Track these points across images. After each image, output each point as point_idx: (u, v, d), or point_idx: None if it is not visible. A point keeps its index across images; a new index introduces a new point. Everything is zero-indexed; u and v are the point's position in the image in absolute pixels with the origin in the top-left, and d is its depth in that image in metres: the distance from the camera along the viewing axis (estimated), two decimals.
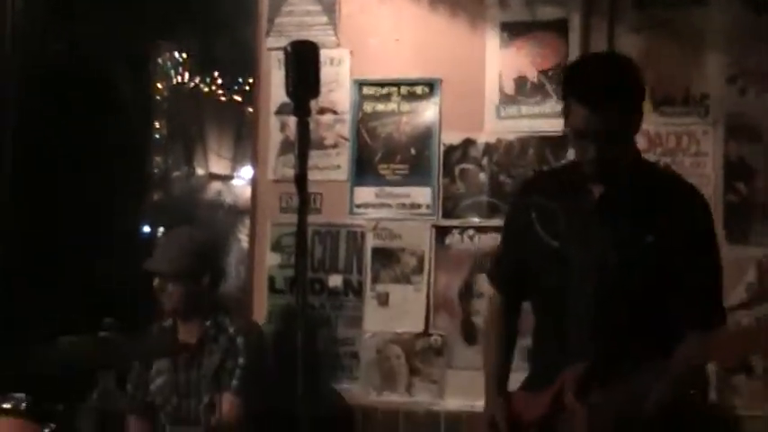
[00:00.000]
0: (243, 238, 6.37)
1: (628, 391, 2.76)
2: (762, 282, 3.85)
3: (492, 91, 4.19)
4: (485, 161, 4.20)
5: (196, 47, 7.36)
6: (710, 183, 3.83)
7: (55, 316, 4.31)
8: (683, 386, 2.84)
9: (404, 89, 4.31)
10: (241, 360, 3.88)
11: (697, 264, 2.87)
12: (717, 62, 3.95)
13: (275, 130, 4.45)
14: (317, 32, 4.34)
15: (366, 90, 4.35)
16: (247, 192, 5.17)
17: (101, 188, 5.48)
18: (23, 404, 3.60)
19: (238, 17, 5.02)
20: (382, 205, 4.31)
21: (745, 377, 3.81)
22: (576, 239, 2.92)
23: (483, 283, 4.10)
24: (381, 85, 4.33)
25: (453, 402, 4.16)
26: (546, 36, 4.14)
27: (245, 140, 6.94)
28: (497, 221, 4.08)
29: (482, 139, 4.21)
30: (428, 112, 4.28)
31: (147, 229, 6.83)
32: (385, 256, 4.30)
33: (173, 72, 7.46)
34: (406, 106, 4.31)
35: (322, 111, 4.33)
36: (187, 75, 7.54)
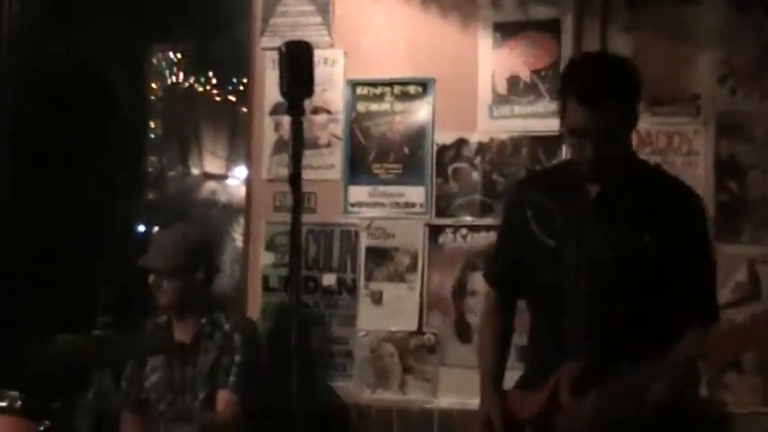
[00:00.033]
0: (237, 236, 6.37)
1: (623, 390, 2.75)
2: (752, 281, 3.85)
3: (485, 91, 4.18)
4: (478, 160, 4.19)
5: (191, 47, 7.36)
6: (702, 182, 3.81)
7: (54, 315, 4.29)
8: (679, 384, 2.82)
9: (397, 89, 4.29)
10: (237, 357, 3.88)
11: (692, 262, 2.87)
12: (708, 62, 3.94)
13: (269, 129, 4.44)
14: (310, 33, 4.33)
15: (360, 90, 4.34)
16: (242, 191, 5.16)
17: (97, 188, 5.47)
18: (18, 402, 3.59)
19: (233, 17, 5.01)
20: (376, 204, 4.30)
21: (737, 374, 3.80)
22: (572, 238, 2.91)
23: (476, 282, 4.10)
24: (375, 84, 4.32)
25: (447, 400, 4.14)
26: (538, 36, 4.13)
27: (239, 140, 6.95)
28: (490, 220, 4.10)
29: (475, 138, 4.19)
30: (421, 111, 4.26)
31: (143, 227, 6.83)
32: (379, 255, 4.28)
33: (167, 72, 7.46)
34: (399, 106, 4.30)
35: (316, 110, 4.32)
36: (182, 75, 7.54)
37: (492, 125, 4.18)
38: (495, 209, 4.11)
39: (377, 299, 4.27)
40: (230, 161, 7.79)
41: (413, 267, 4.24)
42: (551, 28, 4.10)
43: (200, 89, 7.62)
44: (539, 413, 2.90)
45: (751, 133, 3.89)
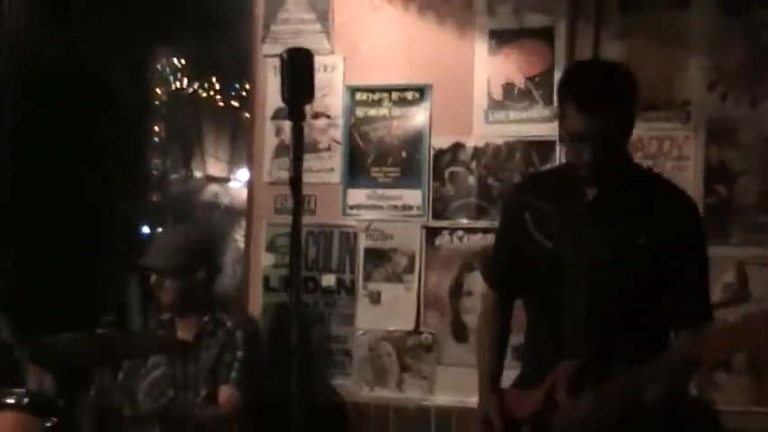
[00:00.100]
0: (239, 238, 6.36)
1: (620, 390, 2.74)
2: (740, 282, 3.84)
3: (480, 96, 4.18)
4: (473, 164, 4.19)
5: (194, 54, 7.36)
6: (691, 186, 3.81)
7: (55, 315, 4.27)
8: (675, 384, 2.81)
9: (395, 95, 4.29)
10: (240, 353, 3.87)
11: (687, 263, 2.86)
12: (698, 68, 3.94)
13: (271, 134, 4.44)
14: (311, 40, 4.32)
15: (358, 95, 4.34)
16: (243, 193, 5.16)
17: (103, 190, 5.47)
18: (25, 399, 3.58)
19: (235, 25, 5.00)
20: (374, 207, 4.29)
21: (726, 373, 3.80)
22: (570, 240, 2.90)
23: (472, 283, 4.12)
24: (373, 90, 4.31)
25: (443, 398, 4.14)
26: (533, 43, 4.13)
27: (241, 144, 6.95)
28: (486, 223, 4.10)
29: (471, 143, 4.19)
30: (418, 116, 4.26)
31: (147, 229, 6.82)
32: (377, 256, 4.28)
33: (172, 78, 7.46)
34: (397, 111, 4.29)
35: (316, 115, 4.32)
36: (186, 80, 7.53)
37: (487, 130, 4.17)
38: (490, 212, 4.12)
39: (375, 299, 4.27)
40: (232, 164, 7.79)
41: (410, 268, 4.23)
42: (545, 35, 4.10)
43: (204, 94, 7.62)
44: (536, 412, 2.89)
45: (740, 139, 3.89)
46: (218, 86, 7.55)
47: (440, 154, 4.22)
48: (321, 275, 4.33)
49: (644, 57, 3.93)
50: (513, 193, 3.26)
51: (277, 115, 4.38)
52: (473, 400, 3.16)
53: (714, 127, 3.92)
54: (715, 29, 3.92)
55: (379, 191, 4.28)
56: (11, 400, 3.57)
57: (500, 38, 4.16)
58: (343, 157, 4.33)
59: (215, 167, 7.93)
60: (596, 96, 2.79)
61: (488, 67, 4.17)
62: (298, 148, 2.43)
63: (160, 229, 6.53)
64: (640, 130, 3.87)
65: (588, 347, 2.84)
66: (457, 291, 4.17)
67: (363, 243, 4.29)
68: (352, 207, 4.32)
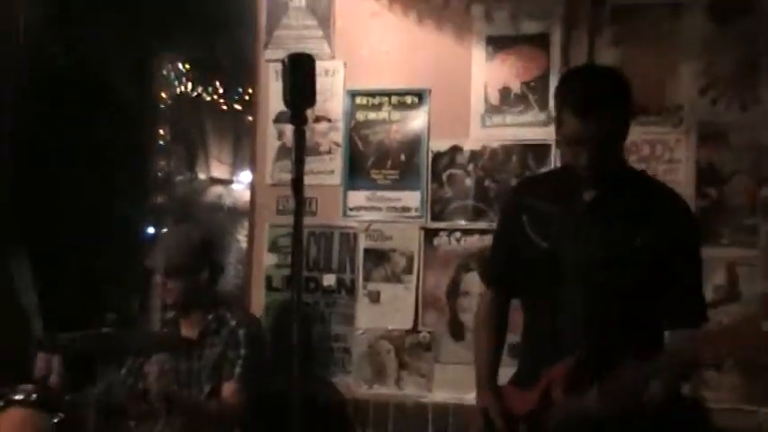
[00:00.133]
0: (242, 238, 6.36)
1: (616, 389, 2.74)
2: (730, 282, 3.86)
3: (478, 101, 4.19)
4: (471, 167, 4.20)
5: (198, 58, 7.35)
6: (683, 188, 3.82)
7: (55, 315, 4.28)
8: (671, 384, 2.82)
9: (394, 99, 4.31)
10: (243, 350, 3.87)
11: (682, 264, 2.88)
12: (690, 73, 3.95)
13: (273, 137, 4.45)
14: (312, 45, 4.34)
15: (359, 99, 4.35)
16: (246, 195, 5.16)
17: (108, 191, 5.46)
18: (33, 395, 3.60)
19: (239, 30, 5.01)
20: (374, 208, 4.30)
21: (716, 372, 3.81)
22: (567, 241, 2.91)
23: (469, 283, 4.13)
24: (373, 94, 4.33)
25: (441, 395, 4.15)
26: (529, 49, 4.14)
27: (244, 146, 6.94)
28: (483, 224, 4.12)
29: (468, 146, 4.21)
30: (417, 120, 4.28)
31: (151, 229, 6.82)
32: (376, 257, 4.29)
33: (176, 82, 7.45)
34: (396, 115, 4.31)
35: (317, 119, 4.33)
36: (190, 84, 7.52)
37: (484, 134, 4.19)
38: (487, 213, 4.13)
39: (374, 298, 4.28)
40: (235, 167, 7.77)
41: (409, 269, 4.25)
42: (541, 41, 4.12)
43: (208, 98, 7.60)
44: (532, 410, 2.90)
45: (730, 142, 3.90)
46: (221, 90, 7.54)
47: (438, 157, 4.24)
48: (322, 275, 4.33)
49: (637, 62, 3.94)
50: (511, 194, 3.26)
51: (279, 119, 4.39)
52: (470, 397, 3.18)
53: (705, 130, 3.93)
54: (706, 36, 3.94)
55: (379, 193, 4.30)
56: (19, 397, 3.59)
57: (497, 44, 4.18)
58: (344, 160, 4.35)
59: (218, 169, 7.91)
60: (592, 101, 2.81)
61: (485, 73, 4.19)
62: (299, 151, 2.44)
63: (165, 230, 6.53)
64: (633, 133, 3.85)
65: (584, 347, 2.84)
66: (454, 290, 4.18)
67: (363, 244, 4.31)
68: (352, 208, 4.33)
